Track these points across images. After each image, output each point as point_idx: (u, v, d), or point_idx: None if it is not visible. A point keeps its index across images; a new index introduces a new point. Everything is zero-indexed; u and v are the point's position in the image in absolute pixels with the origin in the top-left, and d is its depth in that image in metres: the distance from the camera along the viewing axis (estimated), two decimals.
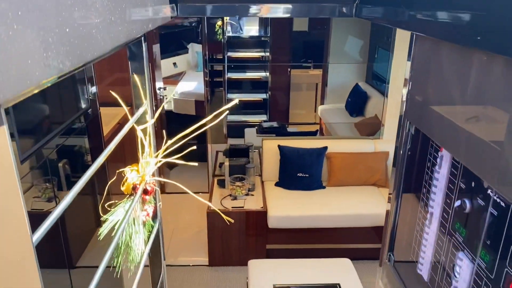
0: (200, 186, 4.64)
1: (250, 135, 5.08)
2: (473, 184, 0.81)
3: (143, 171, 1.05)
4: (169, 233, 3.74)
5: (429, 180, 1.00)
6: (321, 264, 2.74)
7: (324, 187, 3.44)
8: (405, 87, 1.13)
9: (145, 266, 1.28)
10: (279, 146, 3.46)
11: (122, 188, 1.06)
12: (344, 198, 3.29)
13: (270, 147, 3.56)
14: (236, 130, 5.31)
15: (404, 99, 1.13)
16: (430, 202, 0.97)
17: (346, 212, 3.13)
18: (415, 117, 1.05)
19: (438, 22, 0.84)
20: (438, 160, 0.93)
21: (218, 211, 1.25)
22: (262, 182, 3.60)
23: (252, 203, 3.26)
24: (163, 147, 1.13)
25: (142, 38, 1.09)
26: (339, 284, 2.48)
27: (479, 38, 0.70)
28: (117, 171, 1.09)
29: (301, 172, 3.36)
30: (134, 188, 1.03)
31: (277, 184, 3.49)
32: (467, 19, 0.73)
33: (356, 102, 5.19)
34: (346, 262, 2.75)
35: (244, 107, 5.84)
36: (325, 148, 3.46)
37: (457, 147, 0.83)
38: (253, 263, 2.73)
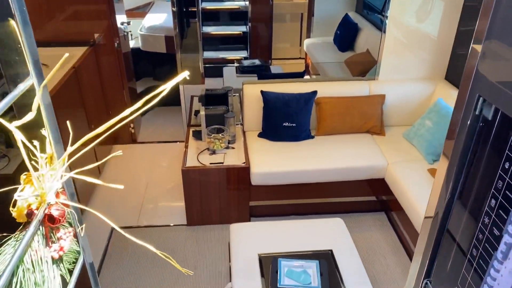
0: (175, 134, 4.23)
1: (229, 75, 4.59)
2: None
3: (41, 189, 0.64)
4: (143, 190, 3.40)
5: (503, 199, 0.62)
6: (310, 225, 2.46)
7: (312, 137, 3.08)
8: (476, 44, 0.71)
9: None
10: (262, 92, 3.02)
11: (14, 213, 0.66)
12: (335, 149, 2.95)
13: (252, 93, 3.12)
14: (214, 68, 4.81)
15: (474, 61, 0.72)
16: (502, 247, 0.60)
17: (337, 166, 2.81)
18: (496, 93, 0.64)
19: None
20: None
21: None
22: (244, 132, 3.21)
23: (233, 158, 2.90)
24: (66, 153, 0.71)
25: None
26: (331, 251, 2.22)
27: None
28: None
29: (287, 121, 2.97)
30: (31, 215, 0.63)
31: (260, 135, 3.11)
32: None
33: (345, 35, 4.69)
34: (338, 222, 2.48)
35: (222, 42, 5.28)
36: (315, 92, 3.04)
37: None
38: (235, 228, 2.43)
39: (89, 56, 3.43)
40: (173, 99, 4.86)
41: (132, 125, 4.00)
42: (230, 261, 2.29)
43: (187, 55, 4.54)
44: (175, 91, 4.87)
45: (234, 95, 3.85)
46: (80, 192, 3.05)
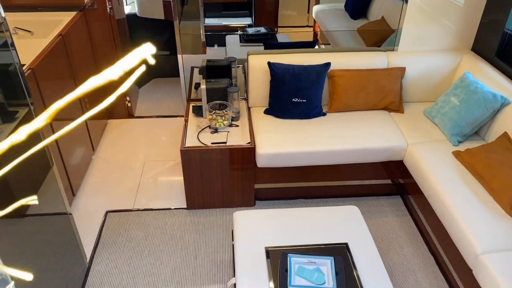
0: (174, 107, 3.97)
1: (233, 44, 4.26)
2: None
3: None
4: (140, 169, 3.17)
5: None
6: (322, 214, 2.23)
7: (324, 114, 2.81)
8: None
9: None
10: (269, 63, 2.72)
11: None
12: (349, 127, 2.68)
13: (258, 65, 2.82)
14: (216, 36, 4.47)
15: None
16: None
17: (352, 147, 2.55)
18: None
19: None
20: None
21: None
22: (249, 109, 2.94)
23: (236, 137, 2.64)
24: None
25: None
26: (346, 244, 1.99)
27: None
28: None
29: (296, 96, 2.68)
30: None
31: (267, 112, 2.83)
32: None
33: (358, 1, 4.32)
34: (353, 210, 2.25)
35: (225, 8, 4.91)
36: (328, 65, 2.74)
37: None
38: (239, 216, 2.20)
39: (79, 22, 3.10)
40: (172, 70, 4.56)
41: (128, 98, 3.73)
42: (233, 253, 2.08)
43: (187, 22, 4.21)
44: (173, 61, 4.55)
45: (238, 67, 3.56)
46: (72, 172, 2.82)
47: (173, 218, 2.74)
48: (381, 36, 3.57)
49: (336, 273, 1.79)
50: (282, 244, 2.00)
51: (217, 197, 2.75)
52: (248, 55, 2.88)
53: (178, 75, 3.85)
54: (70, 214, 2.26)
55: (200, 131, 2.69)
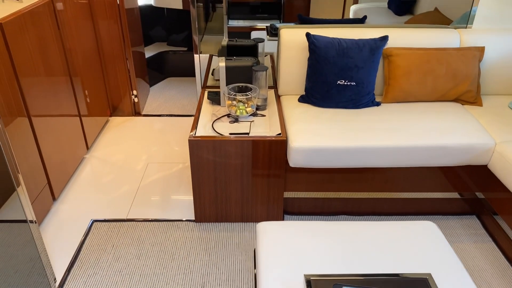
0: (188, 106, 3.40)
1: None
2: None
3: None
4: (140, 172, 2.57)
5: None
6: (385, 231, 1.55)
7: (378, 104, 2.17)
8: None
9: None
10: (308, 35, 2.13)
11: None
12: (412, 120, 2.03)
13: (292, 41, 2.23)
14: (240, 34, 3.96)
15: None
16: None
17: (416, 143, 1.89)
18: None
19: None
20: None
21: None
22: (278, 97, 2.33)
23: (263, 128, 2.02)
24: None
25: None
26: (429, 277, 1.30)
27: None
28: None
29: (343, 78, 2.06)
30: None
31: (302, 100, 2.22)
32: None
33: None
34: (429, 228, 1.57)
35: (251, 10, 4.42)
36: (385, 39, 2.13)
37: None
38: (265, 229, 1.55)
39: (81, 11, 2.62)
40: (188, 69, 4.04)
41: (135, 93, 3.18)
42: (255, 282, 1.42)
43: (210, 36, 3.75)
44: (190, 59, 4.03)
45: (265, 55, 2.99)
46: (54, 171, 2.25)
47: (176, 233, 2.09)
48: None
49: None
50: (330, 272, 1.33)
51: (235, 208, 2.11)
52: (280, 30, 2.31)
53: (194, 75, 3.32)
54: (32, 221, 1.66)
55: (215, 120, 2.08)
